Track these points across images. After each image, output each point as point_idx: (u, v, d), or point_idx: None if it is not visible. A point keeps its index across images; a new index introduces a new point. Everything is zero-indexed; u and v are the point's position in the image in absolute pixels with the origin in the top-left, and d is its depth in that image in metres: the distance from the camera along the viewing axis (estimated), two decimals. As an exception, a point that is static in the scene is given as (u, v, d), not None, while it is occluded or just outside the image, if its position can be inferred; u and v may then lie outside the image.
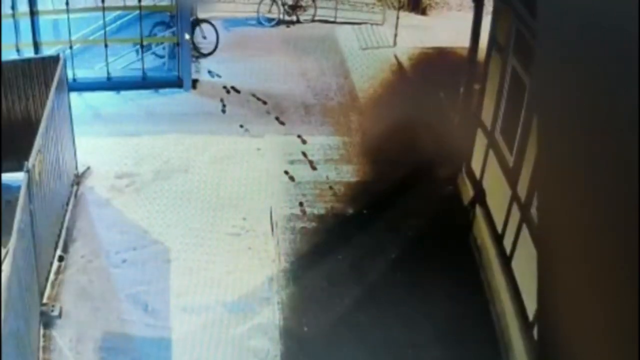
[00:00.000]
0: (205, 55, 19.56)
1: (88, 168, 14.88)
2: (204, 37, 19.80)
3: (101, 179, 14.71)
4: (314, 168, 15.62)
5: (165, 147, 15.88)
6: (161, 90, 17.94)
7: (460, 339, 11.75)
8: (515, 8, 12.00)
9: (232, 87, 18.47)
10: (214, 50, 19.66)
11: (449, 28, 21.42)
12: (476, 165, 13.95)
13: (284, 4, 22.04)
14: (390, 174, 15.44)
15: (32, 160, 10.96)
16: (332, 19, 22.27)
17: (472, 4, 15.42)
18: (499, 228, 12.45)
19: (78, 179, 14.47)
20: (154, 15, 18.56)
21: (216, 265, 12.93)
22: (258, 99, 18.03)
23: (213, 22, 19.92)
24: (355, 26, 22.06)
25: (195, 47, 19.52)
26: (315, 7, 22.20)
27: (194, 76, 18.50)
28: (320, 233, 13.85)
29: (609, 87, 5.91)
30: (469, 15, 15.78)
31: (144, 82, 17.88)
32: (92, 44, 18.05)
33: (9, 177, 13.22)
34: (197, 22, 19.71)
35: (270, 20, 21.91)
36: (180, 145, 15.97)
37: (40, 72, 13.62)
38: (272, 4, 21.95)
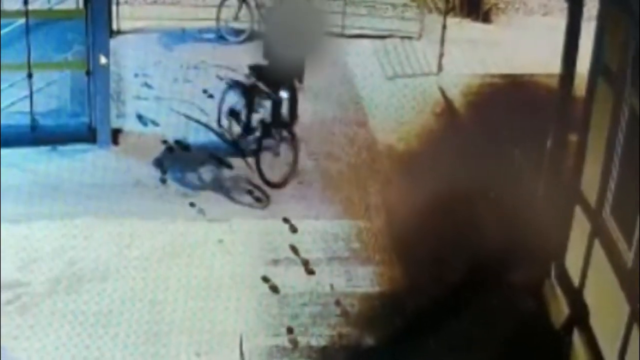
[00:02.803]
0: (277, 187, 17.79)
1: (-55, 275, 15.09)
2: (277, 154, 17.84)
3: (-34, 293, 14.90)
4: (310, 272, 15.84)
5: (70, 240, 16.04)
6: (62, 148, 18.17)
7: None
8: (635, 14, 12.24)
9: (177, 142, 18.78)
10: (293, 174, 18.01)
11: (528, 43, 21.74)
12: (573, 266, 14.15)
13: (259, 7, 22.18)
14: (434, 280, 15.64)
15: None
16: (337, 30, 22.64)
17: (564, 5, 15.65)
18: (612, 366, 12.66)
19: None
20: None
21: None
22: (220, 160, 18.33)
23: (145, 34, 20.11)
24: (377, 40, 22.45)
25: (261, 174, 17.83)
26: (311, 11, 22.44)
27: (116, 124, 18.81)
28: (322, 377, 14.07)
29: None
30: (560, 24, 16.07)
31: (35, 135, 18.11)
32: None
33: None
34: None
35: (237, 32, 22.19)
36: (95, 237, 16.14)
37: None
38: (241, 7, 22.14)
